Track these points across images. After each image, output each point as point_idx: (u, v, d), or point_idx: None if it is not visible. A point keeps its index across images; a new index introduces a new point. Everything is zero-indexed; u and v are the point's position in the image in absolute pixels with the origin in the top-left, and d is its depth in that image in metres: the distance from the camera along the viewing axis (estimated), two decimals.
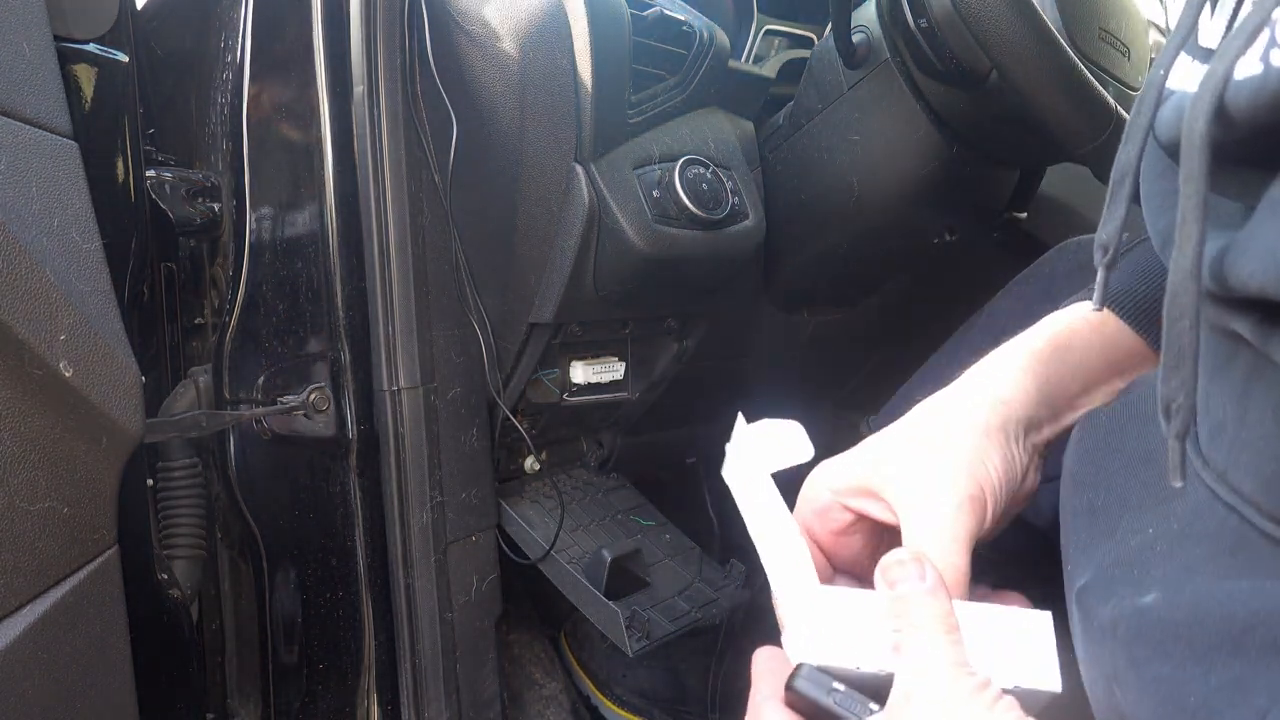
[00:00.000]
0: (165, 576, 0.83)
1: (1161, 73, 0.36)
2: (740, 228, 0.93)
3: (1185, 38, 0.36)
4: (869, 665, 0.42)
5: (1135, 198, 0.39)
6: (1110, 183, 0.38)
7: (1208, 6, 0.36)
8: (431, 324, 0.88)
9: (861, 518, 0.50)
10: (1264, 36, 0.29)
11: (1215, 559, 0.36)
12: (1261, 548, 0.35)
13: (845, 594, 0.44)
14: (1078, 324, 0.56)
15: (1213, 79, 0.30)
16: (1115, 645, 0.38)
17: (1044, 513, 0.90)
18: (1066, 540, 0.48)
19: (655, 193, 0.87)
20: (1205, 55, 0.35)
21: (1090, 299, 0.48)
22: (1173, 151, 0.31)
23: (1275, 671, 0.32)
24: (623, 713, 1.15)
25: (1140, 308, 0.55)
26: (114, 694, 0.69)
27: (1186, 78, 0.36)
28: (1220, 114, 0.30)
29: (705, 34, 0.93)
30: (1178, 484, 0.34)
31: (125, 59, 0.76)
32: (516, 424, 0.94)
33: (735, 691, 1.10)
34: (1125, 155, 0.37)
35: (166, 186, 0.89)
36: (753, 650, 1.19)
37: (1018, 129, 0.87)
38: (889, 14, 0.88)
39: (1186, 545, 0.38)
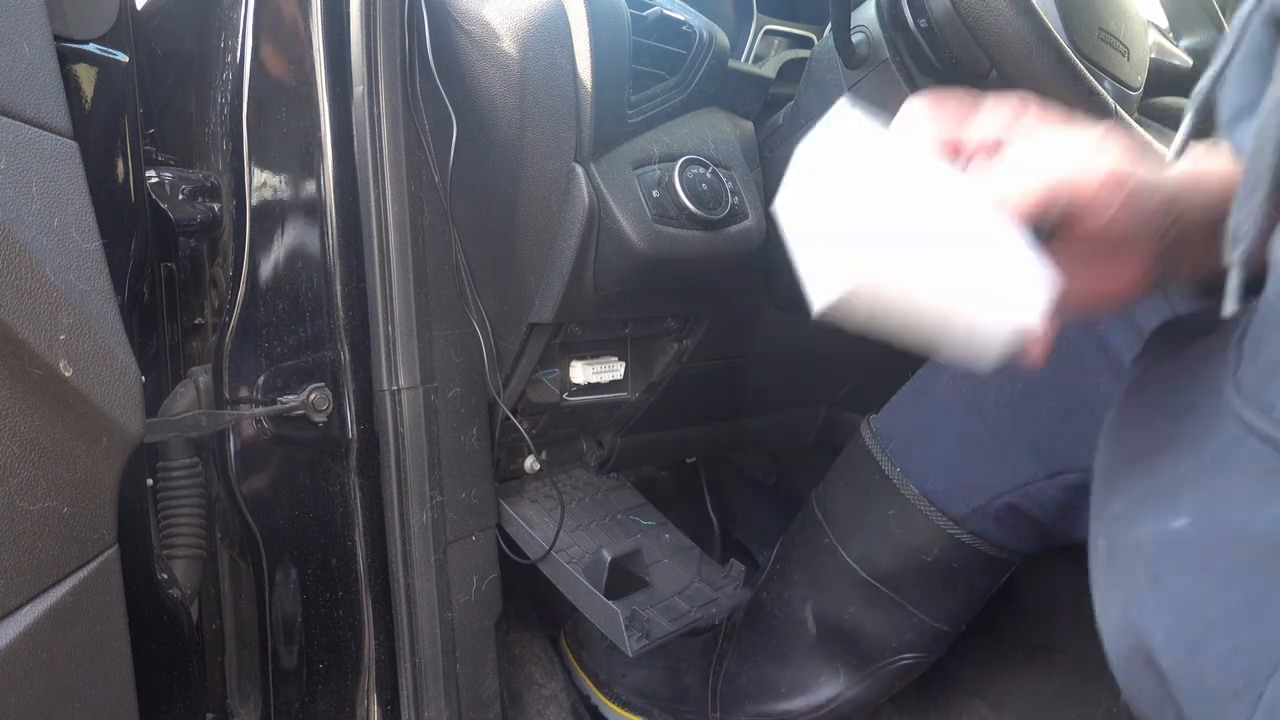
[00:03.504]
0: (165, 576, 0.83)
1: None
2: (740, 228, 0.93)
3: None
4: None
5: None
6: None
7: None
8: (431, 324, 0.88)
9: None
10: None
11: (1246, 487, 0.38)
12: None
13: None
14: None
15: None
16: (1138, 565, 0.39)
17: (1048, 508, 0.90)
18: (1100, 484, 0.49)
19: (655, 193, 0.87)
20: None
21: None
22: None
23: None
24: (623, 712, 1.15)
25: None
26: (114, 694, 0.69)
27: None
28: None
29: (705, 34, 0.93)
30: (1230, 310, 0.35)
31: (125, 59, 0.76)
32: (516, 424, 0.94)
33: (735, 690, 1.10)
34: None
35: (166, 186, 0.89)
36: (754, 648, 1.19)
37: None
38: (889, 14, 0.88)
39: (1217, 476, 0.39)
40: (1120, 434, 0.50)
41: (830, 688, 1.04)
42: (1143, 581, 0.39)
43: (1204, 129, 1.10)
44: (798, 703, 1.05)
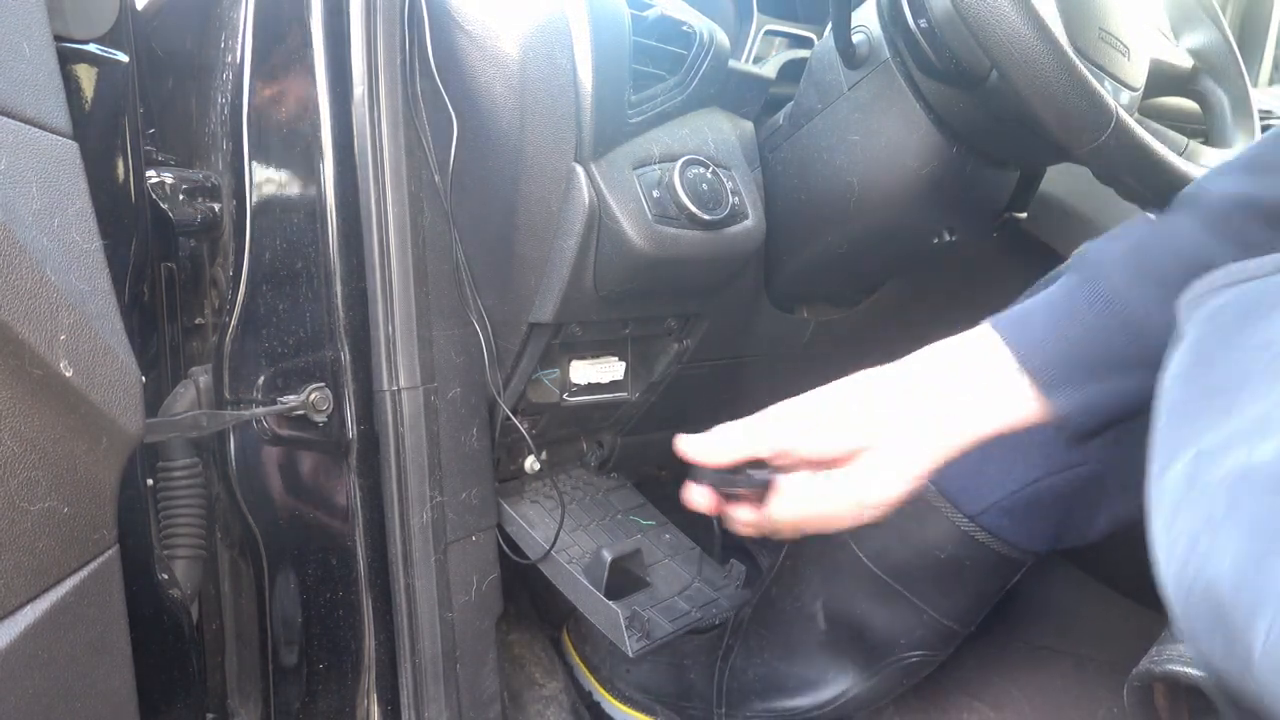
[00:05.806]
0: (165, 576, 0.83)
1: None
2: (740, 228, 0.93)
3: None
4: None
5: None
6: None
7: None
8: (431, 324, 0.88)
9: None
10: None
11: None
12: None
13: None
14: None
15: None
16: (1215, 496, 0.40)
17: (1061, 502, 0.92)
18: (1166, 433, 0.50)
19: (655, 193, 0.87)
20: None
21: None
22: None
23: None
24: (626, 709, 1.15)
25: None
26: (114, 694, 0.69)
27: None
28: None
29: (705, 34, 0.93)
30: None
31: (125, 59, 0.76)
32: (516, 424, 0.94)
33: (742, 687, 1.10)
34: None
35: (166, 186, 0.89)
36: (761, 644, 1.22)
37: (1018, 129, 0.87)
38: (889, 14, 0.88)
39: None
40: (1191, 371, 0.51)
41: (838, 684, 1.04)
42: (1221, 509, 0.39)
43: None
44: (805, 699, 1.05)
